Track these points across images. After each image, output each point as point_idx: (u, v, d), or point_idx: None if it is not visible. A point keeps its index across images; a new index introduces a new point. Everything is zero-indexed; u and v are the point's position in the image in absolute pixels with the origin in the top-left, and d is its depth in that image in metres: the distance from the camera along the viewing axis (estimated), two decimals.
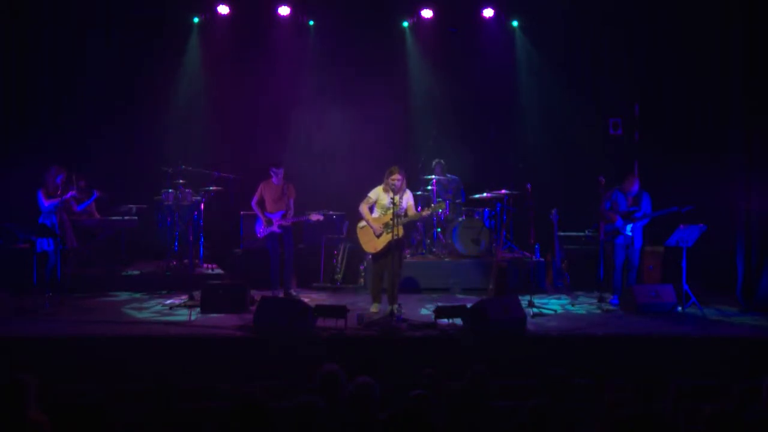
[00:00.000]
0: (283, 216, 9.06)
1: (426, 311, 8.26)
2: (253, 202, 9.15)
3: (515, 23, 11.62)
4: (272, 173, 9.12)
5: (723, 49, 9.61)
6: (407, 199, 7.98)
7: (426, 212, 8.24)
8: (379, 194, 8.01)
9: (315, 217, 9.29)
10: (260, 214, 9.11)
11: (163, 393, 4.67)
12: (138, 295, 9.16)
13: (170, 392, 4.70)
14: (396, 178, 7.84)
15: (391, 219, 7.77)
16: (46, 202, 8.51)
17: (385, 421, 3.75)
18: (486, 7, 11.40)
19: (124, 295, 9.17)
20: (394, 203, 7.73)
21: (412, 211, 7.99)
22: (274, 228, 9.04)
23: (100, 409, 3.82)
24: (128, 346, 6.86)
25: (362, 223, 8.10)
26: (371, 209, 8.08)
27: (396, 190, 7.85)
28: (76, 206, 9.27)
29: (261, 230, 9.14)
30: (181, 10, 11.26)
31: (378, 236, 7.92)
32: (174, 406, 4.64)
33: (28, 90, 10.56)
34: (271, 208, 9.09)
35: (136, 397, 5.38)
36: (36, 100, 10.62)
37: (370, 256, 8.44)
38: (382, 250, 7.92)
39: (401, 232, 7.81)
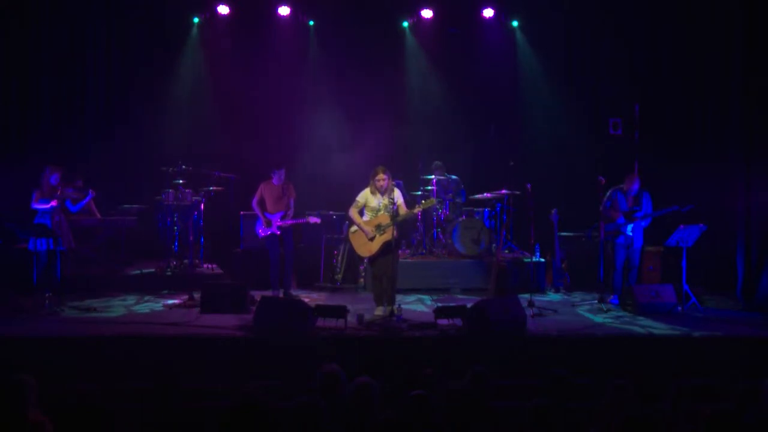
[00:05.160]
0: (283, 217, 9.05)
1: (426, 311, 8.25)
2: (254, 203, 9.15)
3: (515, 23, 11.64)
4: (274, 174, 9.11)
5: (723, 48, 9.62)
6: (397, 197, 7.86)
7: (417, 209, 8.19)
8: (367, 197, 7.94)
9: (313, 220, 9.27)
10: (260, 215, 9.10)
11: (163, 393, 4.66)
12: (138, 295, 9.15)
13: (170, 392, 4.69)
14: (381, 178, 7.77)
15: (382, 220, 7.73)
16: (34, 203, 8.53)
17: (385, 421, 3.74)
18: (486, 7, 11.41)
19: (124, 295, 9.15)
20: (392, 202, 7.69)
21: (403, 210, 7.89)
22: (274, 229, 9.04)
23: (101, 410, 3.81)
24: (128, 346, 6.84)
25: (354, 228, 8.03)
26: (361, 213, 8.01)
27: (383, 191, 7.81)
28: (73, 206, 9.21)
29: (261, 231, 9.14)
30: (181, 10, 11.27)
31: (371, 239, 7.85)
32: (174, 406, 4.63)
33: (29, 90, 10.56)
34: (271, 208, 9.09)
35: (137, 397, 5.38)
36: (36, 100, 10.63)
37: (367, 260, 8.39)
38: (377, 252, 7.83)
39: (395, 232, 7.71)
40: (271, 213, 9.06)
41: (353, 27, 11.36)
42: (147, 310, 8.35)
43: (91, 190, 9.34)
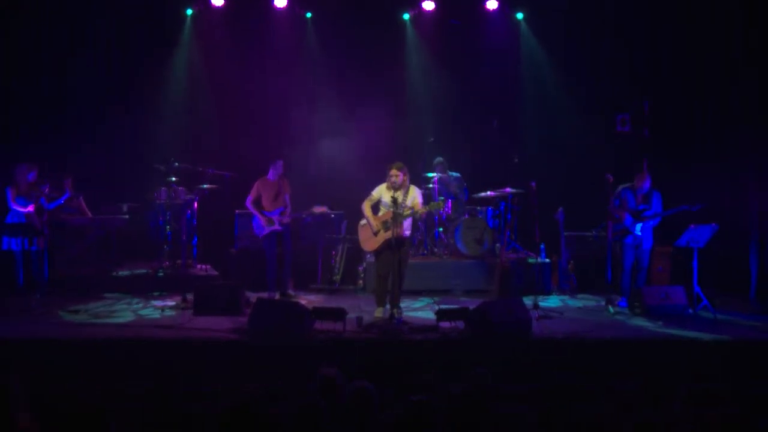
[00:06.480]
0: (282, 213, 9.07)
1: (427, 313, 8.24)
2: (249, 202, 9.13)
3: (520, 15, 11.63)
4: (270, 168, 9.13)
5: (737, 44, 9.60)
6: (413, 196, 7.90)
7: (423, 210, 8.20)
8: (381, 192, 7.99)
9: (318, 209, 9.28)
10: (258, 214, 9.09)
11: (157, 397, 4.65)
12: (129, 297, 9.13)
13: (165, 397, 4.68)
14: (394, 174, 7.82)
15: (389, 217, 7.75)
16: (12, 203, 8.52)
17: (385, 426, 3.74)
18: None
19: (114, 297, 9.13)
20: (395, 201, 7.68)
21: (417, 209, 7.92)
22: (276, 226, 9.05)
23: (91, 414, 3.81)
24: (118, 350, 6.83)
25: (363, 221, 8.11)
26: (376, 208, 8.05)
27: (397, 187, 7.82)
28: (47, 204, 9.07)
29: (262, 229, 9.12)
30: (173, 2, 11.24)
31: (375, 234, 7.91)
32: (169, 410, 4.62)
33: (19, 87, 10.53)
34: (269, 206, 9.09)
35: (129, 402, 5.37)
36: (26, 97, 10.60)
37: (373, 257, 8.39)
38: (378, 248, 7.90)
39: (401, 230, 7.72)
40: (269, 211, 9.06)
41: (352, 20, 11.32)
42: (138, 312, 8.34)
43: (68, 190, 9.28)
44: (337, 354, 6.63)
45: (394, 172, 7.84)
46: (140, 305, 8.74)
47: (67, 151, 10.51)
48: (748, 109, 9.20)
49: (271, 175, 9.15)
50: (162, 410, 4.55)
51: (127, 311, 8.41)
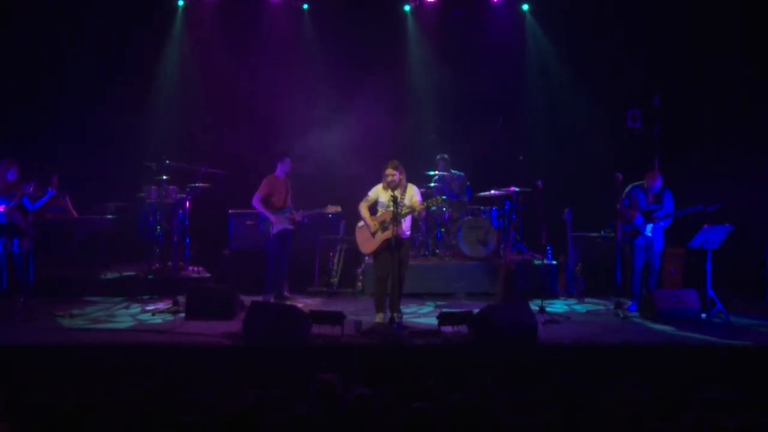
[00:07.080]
0: (292, 211, 9.10)
1: (430, 318, 8.21)
2: (257, 200, 9.05)
3: (525, 7, 11.61)
4: (278, 165, 9.15)
5: (751, 39, 9.58)
6: (411, 195, 7.87)
7: (422, 206, 8.15)
8: (378, 192, 7.97)
9: (331, 208, 9.31)
10: (268, 212, 9.05)
11: (152, 403, 4.63)
12: (120, 300, 9.11)
13: (161, 402, 4.66)
14: (390, 173, 7.80)
15: (386, 217, 7.72)
16: None
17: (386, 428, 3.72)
18: None
19: (102, 300, 9.11)
20: (395, 201, 7.65)
21: (415, 207, 7.87)
22: (288, 224, 9.09)
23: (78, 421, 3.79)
24: (106, 356, 6.80)
25: (361, 223, 8.08)
26: (374, 209, 8.02)
27: (393, 187, 7.79)
28: (30, 204, 8.98)
29: (275, 228, 9.07)
30: None
31: (373, 235, 7.89)
32: (164, 414, 4.60)
33: (4, 83, 10.52)
34: (281, 204, 9.13)
35: (125, 405, 5.35)
36: (12, 93, 10.59)
37: (372, 259, 8.35)
38: (377, 249, 7.88)
39: (400, 230, 7.66)
40: (281, 209, 9.08)
41: (350, 11, 11.31)
42: (126, 316, 8.33)
43: (52, 188, 9.22)
44: (335, 359, 6.62)
45: (389, 171, 7.82)
46: (137, 309, 8.74)
47: (58, 149, 10.49)
48: (748, 109, 9.21)
49: (280, 172, 9.18)
50: (158, 414, 4.53)
51: (125, 315, 8.42)
